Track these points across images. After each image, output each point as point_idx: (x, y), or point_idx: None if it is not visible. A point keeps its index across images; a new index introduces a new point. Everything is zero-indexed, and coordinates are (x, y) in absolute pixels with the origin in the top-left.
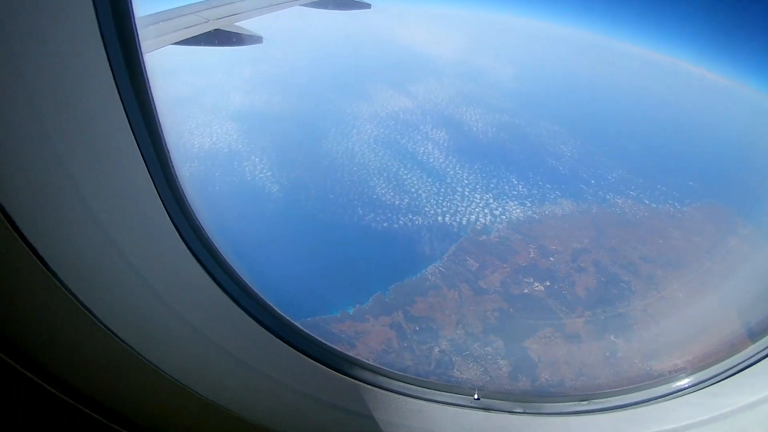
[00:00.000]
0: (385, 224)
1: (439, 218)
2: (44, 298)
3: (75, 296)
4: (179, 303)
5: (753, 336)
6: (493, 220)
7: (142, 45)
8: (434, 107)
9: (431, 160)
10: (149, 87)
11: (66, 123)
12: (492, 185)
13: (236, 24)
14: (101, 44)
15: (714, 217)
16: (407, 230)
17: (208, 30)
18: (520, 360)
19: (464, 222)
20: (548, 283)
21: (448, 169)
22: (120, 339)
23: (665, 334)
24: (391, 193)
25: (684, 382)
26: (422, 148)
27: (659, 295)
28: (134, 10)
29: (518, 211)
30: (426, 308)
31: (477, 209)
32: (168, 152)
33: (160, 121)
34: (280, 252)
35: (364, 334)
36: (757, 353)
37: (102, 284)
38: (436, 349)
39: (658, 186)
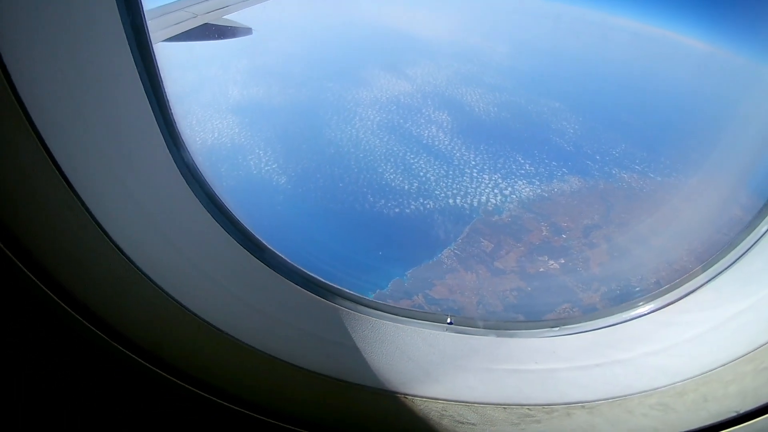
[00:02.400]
0: (397, 210)
1: (450, 201)
2: (64, 214)
3: (90, 212)
4: (173, 230)
5: (709, 260)
6: (503, 199)
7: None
8: (434, 89)
9: (436, 142)
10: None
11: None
12: (499, 165)
13: (224, 17)
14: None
15: (717, 188)
16: (419, 214)
17: (197, 25)
18: None
19: (475, 203)
20: (563, 261)
21: (454, 151)
22: (127, 257)
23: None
24: (400, 178)
25: (651, 304)
26: (426, 132)
27: (671, 267)
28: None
29: (527, 189)
30: (445, 291)
31: (487, 190)
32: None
33: (160, 74)
34: (295, 243)
35: None
36: (716, 274)
37: (113, 207)
38: None
39: (662, 159)
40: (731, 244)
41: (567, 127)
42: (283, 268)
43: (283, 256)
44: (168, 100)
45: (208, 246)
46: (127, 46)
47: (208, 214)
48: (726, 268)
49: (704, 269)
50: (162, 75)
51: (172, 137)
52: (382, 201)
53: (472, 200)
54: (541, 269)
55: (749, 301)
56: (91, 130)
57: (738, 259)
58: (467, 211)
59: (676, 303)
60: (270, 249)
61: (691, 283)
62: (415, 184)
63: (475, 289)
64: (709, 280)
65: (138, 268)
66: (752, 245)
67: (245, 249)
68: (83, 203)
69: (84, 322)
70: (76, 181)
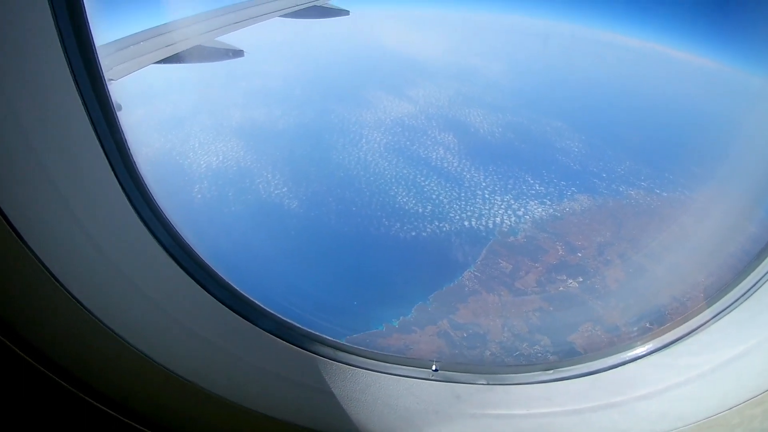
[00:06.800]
0: (413, 233)
1: (465, 223)
2: (20, 270)
3: (46, 267)
4: (139, 277)
5: (713, 297)
6: (517, 220)
7: (104, 67)
8: (437, 111)
9: (446, 164)
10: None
11: (34, 116)
12: (510, 186)
13: (216, 39)
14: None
15: (722, 202)
16: (436, 238)
17: (189, 47)
18: (569, 354)
19: (490, 225)
20: (581, 279)
21: (464, 173)
22: (85, 308)
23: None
24: (413, 201)
25: (649, 345)
26: (434, 153)
27: (685, 281)
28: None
29: (539, 209)
30: (469, 314)
31: (500, 211)
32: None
33: (111, 99)
34: (313, 271)
35: (413, 346)
36: (719, 312)
37: (67, 258)
38: (488, 353)
39: (666, 175)
40: (734, 282)
41: (571, 145)
42: (259, 317)
43: (258, 303)
44: (126, 140)
45: (173, 292)
46: (82, 108)
47: (173, 262)
48: (730, 305)
49: (707, 306)
50: (120, 121)
51: (137, 187)
52: (398, 224)
53: (486, 222)
54: (561, 288)
55: (756, 340)
56: (45, 180)
57: (743, 296)
58: (483, 233)
59: (677, 343)
60: (244, 296)
61: (692, 321)
62: (429, 207)
63: (499, 311)
64: (713, 318)
65: (100, 320)
66: (757, 282)
67: (215, 298)
68: (36, 255)
69: (50, 374)
70: (30, 238)
